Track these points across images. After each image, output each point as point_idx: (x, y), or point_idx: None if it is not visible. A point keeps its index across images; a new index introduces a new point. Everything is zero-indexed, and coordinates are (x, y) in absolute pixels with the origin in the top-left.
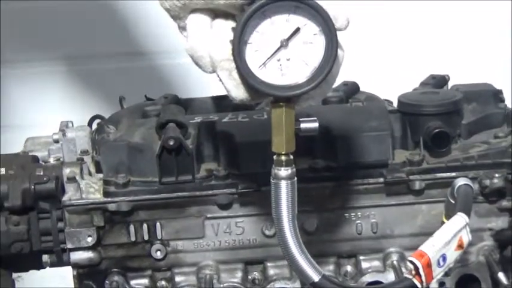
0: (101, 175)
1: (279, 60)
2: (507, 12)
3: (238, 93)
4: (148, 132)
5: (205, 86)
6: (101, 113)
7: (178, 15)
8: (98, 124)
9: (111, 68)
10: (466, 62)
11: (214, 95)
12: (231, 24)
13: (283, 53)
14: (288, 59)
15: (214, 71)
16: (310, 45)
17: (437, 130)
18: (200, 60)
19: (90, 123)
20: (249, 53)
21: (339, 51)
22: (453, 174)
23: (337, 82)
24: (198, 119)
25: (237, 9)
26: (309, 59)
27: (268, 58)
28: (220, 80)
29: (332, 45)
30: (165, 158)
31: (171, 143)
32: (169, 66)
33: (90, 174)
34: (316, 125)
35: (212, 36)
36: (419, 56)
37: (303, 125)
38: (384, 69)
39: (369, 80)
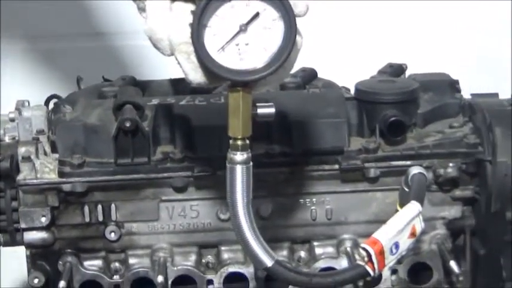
0: (56, 155)
1: (237, 44)
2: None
3: (196, 76)
4: (105, 113)
5: (163, 68)
6: (58, 93)
7: None
8: (55, 104)
9: (69, 48)
10: (424, 52)
11: (172, 77)
12: (191, 7)
13: (242, 37)
14: (247, 44)
15: (172, 54)
16: (269, 30)
17: (393, 118)
18: (159, 43)
19: (46, 103)
20: (207, 37)
21: (298, 38)
22: (408, 162)
23: (295, 68)
24: (155, 101)
25: None
26: (268, 44)
27: (226, 42)
28: (179, 63)
29: (291, 31)
30: (121, 140)
31: (128, 124)
32: (127, 48)
33: (45, 154)
34: (272, 110)
35: (171, 18)
36: (378, 44)
37: (259, 110)
38: (342, 56)
39: (326, 67)
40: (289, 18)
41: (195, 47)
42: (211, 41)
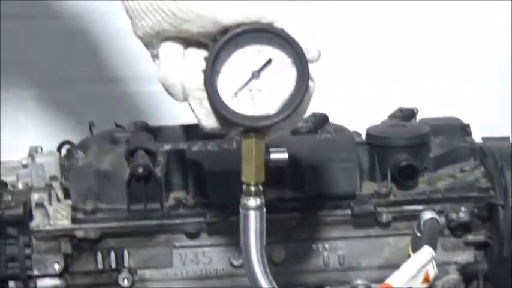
0: (69, 201)
1: (250, 90)
2: (474, 49)
3: (209, 122)
4: (118, 159)
5: (176, 114)
6: (71, 139)
7: (151, 43)
8: (67, 150)
9: (82, 94)
10: (435, 97)
11: (185, 123)
12: (204, 53)
13: (255, 83)
14: (260, 90)
15: (185, 100)
16: (282, 76)
17: (404, 163)
18: (172, 89)
19: (59, 149)
20: (220, 83)
21: (310, 83)
22: (420, 207)
23: (307, 113)
24: (167, 147)
25: (210, 39)
26: (280, 90)
27: (239, 88)
28: (192, 108)
29: (303, 77)
30: (134, 186)
31: (140, 170)
32: (140, 93)
33: (58, 200)
34: (285, 155)
35: (184, 65)
36: (388, 89)
37: (272, 156)
38: (353, 101)
39: (338, 111)
40: (301, 64)
41: (208, 93)
42: (224, 87)
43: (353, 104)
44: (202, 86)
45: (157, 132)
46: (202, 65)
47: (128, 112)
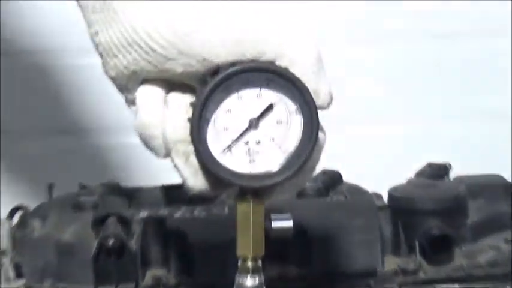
0: (22, 281)
1: (247, 143)
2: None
3: (197, 182)
4: (83, 228)
5: (155, 172)
6: (25, 204)
7: (125, 86)
8: (21, 217)
9: (39, 147)
10: (472, 149)
11: (165, 183)
12: (190, 98)
13: (253, 134)
14: (258, 142)
15: (168, 155)
16: (285, 125)
17: (436, 232)
18: (151, 141)
19: (10, 216)
20: (210, 134)
21: (320, 134)
22: (456, 286)
23: (316, 171)
24: (144, 214)
25: (198, 81)
26: (284, 142)
27: (234, 141)
28: (175, 165)
29: (311, 127)
30: (103, 261)
31: (111, 242)
32: (111, 147)
33: (8, 280)
34: (290, 223)
35: (167, 112)
36: (415, 140)
37: (274, 224)
38: (372, 155)
39: (353, 168)
40: (309, 110)
41: (195, 146)
42: (215, 139)
43: (371, 158)
44: (189, 138)
45: (131, 195)
46: (189, 112)
47: (96, 170)
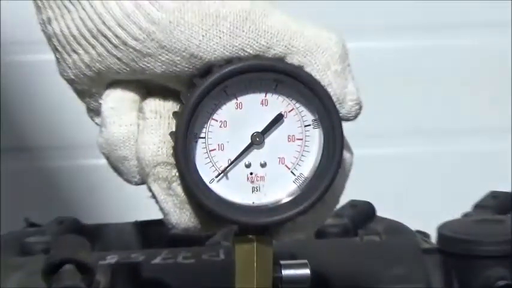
0: None
1: (248, 166)
2: None
3: (181, 217)
4: (30, 278)
5: (125, 204)
6: None
7: (88, 91)
8: None
9: None
10: None
11: (139, 219)
12: (173, 106)
13: (256, 154)
14: (264, 165)
15: (143, 182)
16: (300, 142)
17: (501, 283)
18: (121, 164)
19: None
20: (200, 154)
21: (345, 154)
22: None
23: (341, 202)
24: (112, 259)
25: (183, 84)
26: (297, 165)
27: (231, 163)
28: (154, 195)
29: (334, 144)
30: None
31: None
32: (65, 171)
33: None
34: (306, 272)
35: (142, 125)
36: (472, 160)
37: (285, 272)
38: (413, 180)
39: (389, 198)
40: (331, 123)
41: (180, 170)
42: (207, 160)
43: (413, 184)
44: (172, 160)
45: (95, 235)
46: (172, 125)
47: (48, 202)
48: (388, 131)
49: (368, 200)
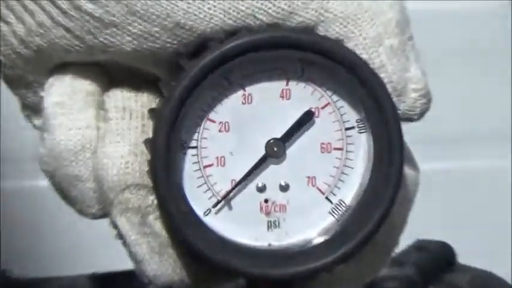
0: None
1: (262, 189)
2: None
3: (162, 266)
4: None
5: (77, 250)
6: None
7: (23, 79)
8: None
9: None
10: None
11: (97, 271)
12: (148, 101)
13: (274, 172)
14: (285, 188)
15: (104, 214)
16: (338, 154)
17: None
18: (72, 186)
19: None
20: (190, 172)
21: (407, 171)
22: None
23: (402, 242)
24: None
25: (164, 68)
26: (335, 187)
27: (236, 185)
28: (120, 233)
29: (390, 156)
30: None
31: None
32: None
33: None
34: None
35: (103, 129)
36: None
37: None
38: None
39: (475, 237)
40: (385, 124)
41: (159, 195)
42: (200, 181)
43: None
44: (147, 181)
45: None
46: (147, 129)
47: None
48: None
49: (444, 241)
